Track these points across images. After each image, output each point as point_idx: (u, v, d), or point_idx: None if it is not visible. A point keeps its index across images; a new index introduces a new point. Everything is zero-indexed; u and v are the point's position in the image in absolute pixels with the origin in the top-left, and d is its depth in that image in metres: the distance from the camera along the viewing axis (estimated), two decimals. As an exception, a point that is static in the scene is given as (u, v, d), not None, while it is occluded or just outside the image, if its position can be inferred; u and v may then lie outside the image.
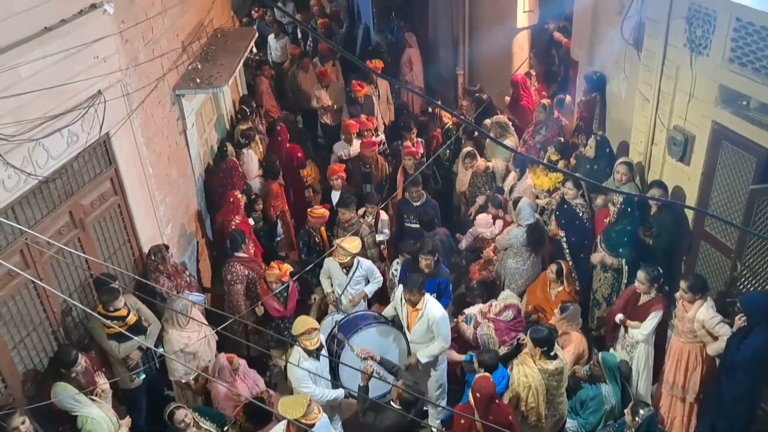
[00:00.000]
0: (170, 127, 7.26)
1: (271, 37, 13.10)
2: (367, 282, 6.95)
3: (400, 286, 6.33)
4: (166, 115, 7.15)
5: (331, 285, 6.96)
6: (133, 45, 6.26)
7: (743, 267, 5.87)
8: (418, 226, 7.54)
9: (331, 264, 6.84)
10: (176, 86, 7.34)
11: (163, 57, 6.96)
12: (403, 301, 6.15)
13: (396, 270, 7.23)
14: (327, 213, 7.65)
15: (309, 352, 5.58)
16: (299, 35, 14.36)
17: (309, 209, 7.75)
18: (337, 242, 6.71)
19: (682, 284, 5.58)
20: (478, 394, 5.13)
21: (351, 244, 6.66)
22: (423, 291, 6.02)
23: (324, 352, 5.79)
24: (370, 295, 6.99)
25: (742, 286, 5.92)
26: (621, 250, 6.52)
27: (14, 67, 4.60)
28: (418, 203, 7.73)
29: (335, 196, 8.39)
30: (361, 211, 7.81)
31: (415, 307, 6.04)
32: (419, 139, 9.40)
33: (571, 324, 6.26)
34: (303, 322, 5.68)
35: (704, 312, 5.46)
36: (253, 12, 14.85)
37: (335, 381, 6.01)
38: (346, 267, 6.75)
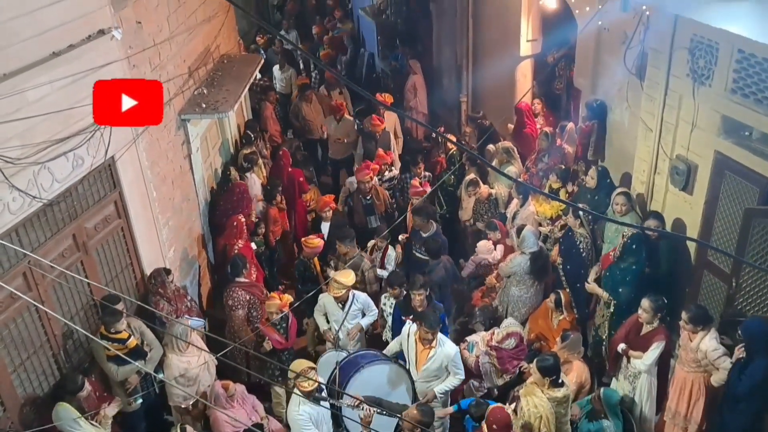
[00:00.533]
0: (175, 151, 7.30)
1: (275, 68, 13.11)
2: (364, 315, 6.83)
3: (408, 323, 6.17)
4: (171, 139, 7.19)
5: (327, 321, 6.82)
6: (140, 70, 6.32)
7: (738, 287, 5.89)
8: (426, 257, 7.42)
9: (326, 299, 6.75)
10: (182, 111, 7.40)
11: (169, 82, 7.03)
12: (412, 338, 6.02)
13: (384, 305, 7.02)
14: (321, 243, 7.62)
15: (307, 394, 5.44)
16: (301, 65, 14.39)
17: (303, 239, 7.71)
18: (332, 275, 6.63)
19: (684, 315, 5.55)
20: (494, 426, 5.11)
21: (346, 277, 6.58)
22: (439, 327, 5.93)
23: (324, 393, 5.64)
24: (366, 328, 6.90)
25: (738, 305, 5.91)
26: (620, 290, 6.42)
27: (22, 91, 4.64)
28: (427, 234, 7.61)
29: (325, 227, 8.38)
30: (370, 244, 7.74)
31: (428, 345, 5.91)
32: (426, 174, 9.25)
33: (572, 353, 6.22)
34: (299, 364, 5.63)
35: (707, 343, 5.42)
36: (257, 38, 14.97)
37: (338, 423, 5.87)
38: (342, 301, 6.64)
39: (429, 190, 8.50)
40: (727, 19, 5.06)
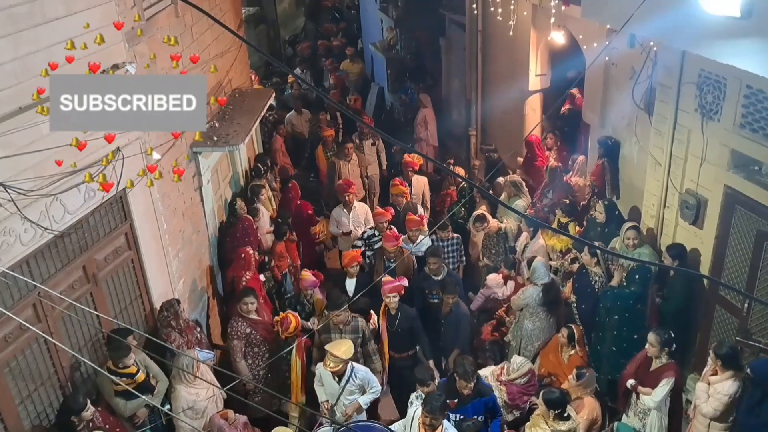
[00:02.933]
0: (186, 183, 7.36)
1: (292, 114, 12.66)
2: (364, 392, 6.25)
3: (414, 405, 5.68)
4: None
5: (325, 394, 6.30)
6: (153, 104, 6.39)
7: (750, 320, 5.85)
8: (437, 301, 7.15)
9: (321, 371, 6.20)
10: (194, 144, 7.47)
11: (181, 115, 7.10)
12: (416, 422, 5.45)
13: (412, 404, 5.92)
14: (312, 278, 7.39)
15: None
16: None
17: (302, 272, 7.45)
18: (327, 348, 6.05)
19: (713, 348, 5.44)
20: None
21: (341, 348, 5.98)
22: (445, 415, 5.35)
23: None
24: (365, 407, 6.26)
25: (751, 330, 5.88)
26: (616, 317, 6.37)
27: (36, 124, 4.70)
28: (439, 277, 7.29)
29: (350, 284, 7.55)
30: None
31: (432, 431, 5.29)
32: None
33: (586, 389, 6.14)
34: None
35: (726, 385, 5.31)
36: (289, 78, 14.84)
37: None
38: (338, 375, 6.07)
39: (406, 283, 6.98)
40: (735, 54, 5.08)
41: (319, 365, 6.24)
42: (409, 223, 8.14)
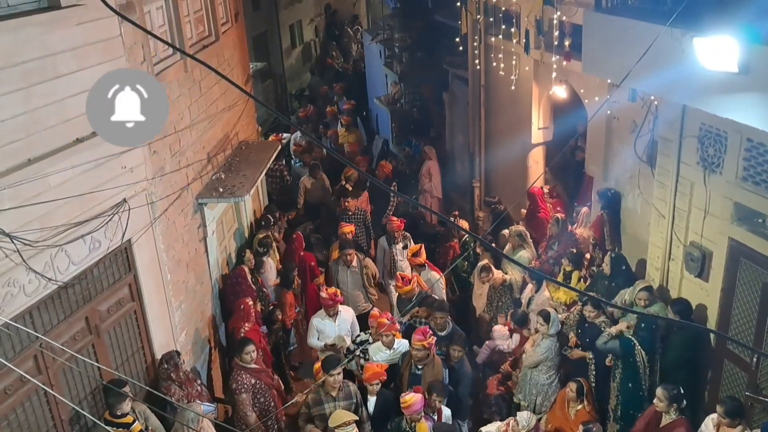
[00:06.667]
0: (191, 234, 7.39)
1: (306, 178, 11.87)
2: None
3: None
4: (188, 222, 7.29)
5: None
6: (161, 156, 6.49)
7: (761, 369, 5.79)
8: (442, 357, 6.87)
9: None
10: (199, 195, 7.53)
11: (188, 167, 7.20)
12: None
13: None
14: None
15: None
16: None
17: None
18: (333, 424, 5.78)
19: (719, 409, 5.33)
20: None
21: (343, 414, 5.87)
22: None
23: None
24: None
25: (761, 385, 5.81)
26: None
27: (44, 176, 4.77)
28: (443, 333, 7.03)
29: (371, 402, 6.56)
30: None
31: None
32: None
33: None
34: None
35: None
36: (294, 146, 13.94)
37: None
38: None
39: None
40: (734, 109, 5.15)
41: None
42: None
